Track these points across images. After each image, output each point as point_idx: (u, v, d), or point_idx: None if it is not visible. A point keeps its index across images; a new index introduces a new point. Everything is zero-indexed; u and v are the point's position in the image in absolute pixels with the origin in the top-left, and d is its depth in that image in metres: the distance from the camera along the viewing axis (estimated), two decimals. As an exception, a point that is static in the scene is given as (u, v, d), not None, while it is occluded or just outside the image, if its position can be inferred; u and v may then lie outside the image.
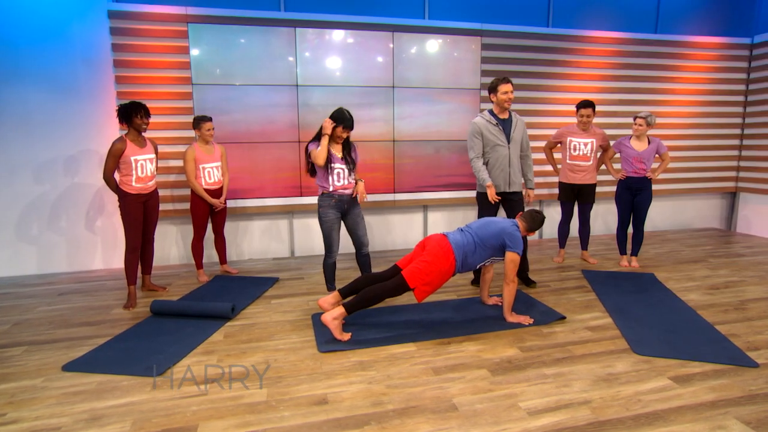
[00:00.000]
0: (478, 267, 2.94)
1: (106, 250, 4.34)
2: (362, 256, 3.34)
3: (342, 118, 3.09)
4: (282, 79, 4.41)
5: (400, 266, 2.90)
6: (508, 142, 3.46)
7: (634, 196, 4.10)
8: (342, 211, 3.22)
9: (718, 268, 4.08)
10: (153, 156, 3.42)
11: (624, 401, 2.03)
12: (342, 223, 3.29)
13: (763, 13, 5.58)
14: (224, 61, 4.26)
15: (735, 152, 5.80)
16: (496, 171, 3.47)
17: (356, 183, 3.23)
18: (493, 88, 3.42)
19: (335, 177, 3.13)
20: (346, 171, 3.16)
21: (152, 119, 4.12)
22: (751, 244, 5.01)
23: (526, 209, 3.32)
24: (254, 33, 4.28)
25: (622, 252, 4.28)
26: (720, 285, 3.62)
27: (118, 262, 4.36)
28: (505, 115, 3.49)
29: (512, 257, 2.83)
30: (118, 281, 3.91)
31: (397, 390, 2.15)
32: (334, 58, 4.50)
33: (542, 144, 5.10)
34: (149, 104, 4.09)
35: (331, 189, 3.14)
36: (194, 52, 4.18)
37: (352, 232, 3.30)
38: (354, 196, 3.22)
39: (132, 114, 3.25)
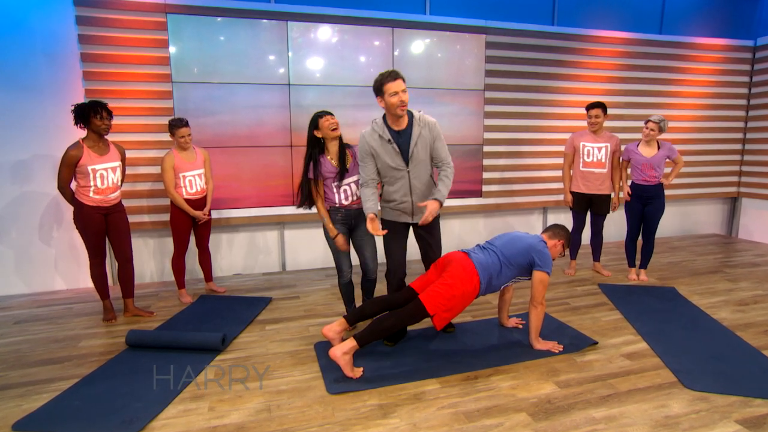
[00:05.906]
0: (501, 288, 2.64)
1: (70, 267, 3.84)
2: (367, 282, 2.94)
3: (317, 116, 2.67)
4: (272, 78, 4.01)
5: (415, 288, 2.57)
6: (407, 165, 2.55)
7: (644, 206, 3.84)
8: (350, 227, 2.81)
9: (737, 280, 3.88)
10: (117, 164, 2.99)
11: (695, 454, 1.74)
12: (351, 241, 2.88)
13: (765, 15, 5.48)
14: (208, 57, 3.84)
15: (737, 156, 5.68)
16: (396, 200, 2.62)
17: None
18: (377, 89, 2.44)
19: (342, 195, 2.74)
20: (354, 186, 2.74)
21: (127, 121, 3.72)
22: (761, 252, 4.86)
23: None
24: (242, 26, 3.87)
25: (631, 264, 4.03)
26: (747, 300, 3.40)
27: (84, 281, 3.88)
28: (401, 125, 2.52)
29: (541, 277, 2.53)
30: (87, 304, 3.44)
31: (429, 445, 1.81)
32: (329, 55, 4.13)
33: (548, 149, 4.88)
34: (123, 104, 3.69)
35: (338, 204, 2.74)
36: (174, 46, 3.75)
37: (358, 251, 2.87)
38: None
39: (89, 114, 2.81)
